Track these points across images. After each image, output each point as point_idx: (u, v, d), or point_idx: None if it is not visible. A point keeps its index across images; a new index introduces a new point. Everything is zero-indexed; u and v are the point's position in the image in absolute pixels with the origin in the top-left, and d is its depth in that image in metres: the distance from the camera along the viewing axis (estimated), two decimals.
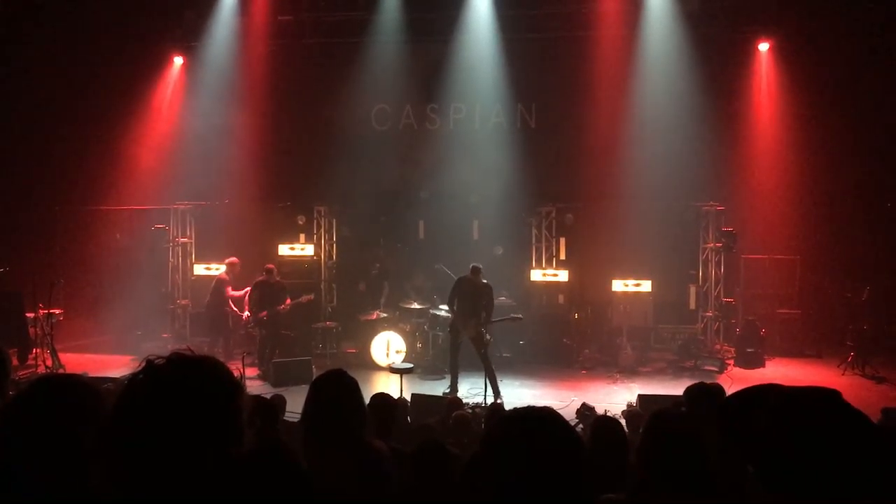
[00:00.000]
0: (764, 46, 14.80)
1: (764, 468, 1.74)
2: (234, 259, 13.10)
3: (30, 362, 12.01)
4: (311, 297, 13.50)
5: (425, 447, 4.02)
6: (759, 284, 14.69)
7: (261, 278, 12.50)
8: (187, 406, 1.55)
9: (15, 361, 12.18)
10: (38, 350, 12.08)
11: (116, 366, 12.33)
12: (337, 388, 3.02)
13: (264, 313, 12.35)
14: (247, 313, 12.57)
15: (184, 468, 1.52)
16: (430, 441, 4.25)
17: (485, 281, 10.90)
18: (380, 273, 14.23)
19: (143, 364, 1.62)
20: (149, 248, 14.58)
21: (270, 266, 12.71)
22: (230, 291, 12.76)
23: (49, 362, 11.87)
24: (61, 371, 11.26)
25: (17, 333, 12.09)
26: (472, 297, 10.82)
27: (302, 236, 14.90)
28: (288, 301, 12.56)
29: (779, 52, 14.66)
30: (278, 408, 7.13)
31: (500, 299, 13.35)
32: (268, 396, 7.25)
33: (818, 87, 13.88)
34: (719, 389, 4.54)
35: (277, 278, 12.66)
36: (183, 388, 1.57)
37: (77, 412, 1.90)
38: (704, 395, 4.36)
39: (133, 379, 1.60)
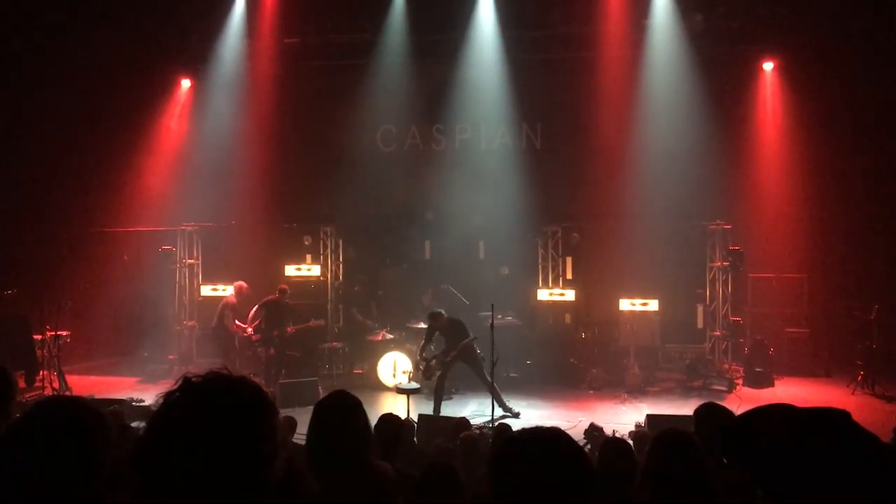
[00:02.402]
0: (768, 65, 14.85)
1: (771, 490, 1.72)
2: (242, 284, 13.08)
3: (37, 384, 12.02)
4: (322, 322, 13.49)
5: (432, 469, 4.00)
6: (767, 303, 14.63)
7: (271, 297, 12.50)
8: (224, 424, 1.53)
9: (22, 384, 12.19)
10: (45, 372, 12.10)
11: (123, 387, 12.34)
12: (340, 410, 3.00)
13: (276, 332, 12.34)
14: (249, 330, 12.54)
15: (218, 488, 1.50)
16: (437, 463, 4.23)
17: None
18: (377, 296, 14.27)
19: (180, 381, 1.60)
20: (156, 269, 14.61)
21: (284, 287, 12.71)
22: (231, 319, 12.73)
23: (56, 384, 11.86)
24: (68, 393, 11.26)
25: (24, 356, 12.12)
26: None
27: (308, 257, 14.94)
28: (290, 328, 12.54)
29: (783, 70, 14.70)
30: (287, 429, 7.13)
31: (507, 319, 13.34)
32: None
33: (823, 106, 13.89)
34: (727, 410, 4.52)
35: (287, 300, 12.66)
36: (220, 406, 1.55)
37: (80, 434, 1.89)
38: (714, 415, 4.34)
39: (169, 395, 1.58)
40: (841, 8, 13.68)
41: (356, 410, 3.02)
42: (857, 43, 13.60)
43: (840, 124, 13.82)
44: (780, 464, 1.69)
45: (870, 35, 13.59)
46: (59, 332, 12.18)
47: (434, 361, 10.88)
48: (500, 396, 10.57)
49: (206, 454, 1.50)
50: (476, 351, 10.90)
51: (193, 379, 1.59)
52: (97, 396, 10.46)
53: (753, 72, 14.91)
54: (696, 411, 4.49)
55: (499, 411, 10.35)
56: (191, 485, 1.49)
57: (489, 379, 10.30)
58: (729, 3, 14.29)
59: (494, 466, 1.75)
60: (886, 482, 1.61)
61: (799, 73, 14.29)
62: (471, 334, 10.85)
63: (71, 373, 12.51)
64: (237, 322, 12.69)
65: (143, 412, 9.16)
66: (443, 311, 11.13)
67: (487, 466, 1.77)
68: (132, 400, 10.11)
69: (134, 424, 6.22)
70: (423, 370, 10.92)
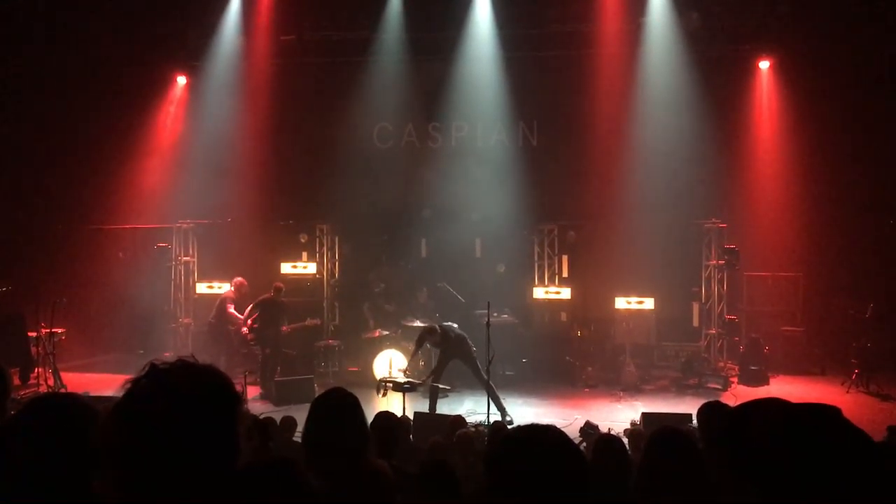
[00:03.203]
0: (764, 64, 14.86)
1: (763, 484, 1.73)
2: (241, 280, 13.09)
3: (32, 382, 11.99)
4: (318, 321, 13.46)
5: (430, 466, 4.00)
6: (762, 301, 14.66)
7: (267, 296, 12.48)
8: (188, 411, 1.54)
9: (17, 381, 12.16)
10: (40, 369, 12.07)
11: (118, 385, 12.27)
12: (338, 407, 3.00)
13: (270, 330, 12.32)
14: (244, 329, 12.50)
15: (183, 473, 1.51)
16: (434, 460, 4.23)
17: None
18: (384, 292, 14.22)
19: (147, 367, 1.61)
20: (151, 266, 14.58)
21: (280, 285, 12.68)
22: (230, 309, 12.74)
23: (51, 381, 11.84)
24: (63, 390, 11.23)
25: (20, 353, 12.09)
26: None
27: (304, 254, 14.92)
28: (285, 327, 12.51)
29: (779, 69, 14.71)
30: (287, 428, 7.15)
31: (503, 317, 13.36)
32: (272, 416, 7.25)
33: (819, 105, 13.89)
34: (729, 408, 4.52)
35: (282, 299, 12.64)
36: (185, 392, 1.56)
37: (74, 431, 1.89)
38: (715, 413, 4.34)
39: (136, 381, 1.59)
40: (837, 7, 13.71)
41: (353, 408, 3.02)
42: (853, 41, 13.61)
43: (835, 122, 13.82)
44: (770, 457, 1.69)
45: (865, 33, 13.61)
46: (54, 330, 12.13)
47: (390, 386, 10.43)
48: (497, 397, 10.55)
49: (169, 440, 1.51)
50: (472, 350, 10.87)
51: (160, 366, 1.60)
52: (92, 393, 10.43)
53: (749, 70, 14.92)
54: (700, 410, 4.50)
55: (494, 408, 10.32)
56: (152, 470, 1.50)
57: (486, 378, 10.31)
58: (725, 1, 14.31)
59: (489, 463, 1.75)
60: (874, 479, 1.62)
61: (795, 72, 14.30)
62: (458, 347, 10.80)
63: (66, 370, 12.47)
64: (234, 312, 12.68)
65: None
66: (437, 327, 10.90)
67: (483, 463, 1.77)
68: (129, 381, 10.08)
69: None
70: (383, 392, 10.40)
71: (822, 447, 1.64)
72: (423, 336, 10.93)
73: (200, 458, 1.53)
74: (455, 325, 12.95)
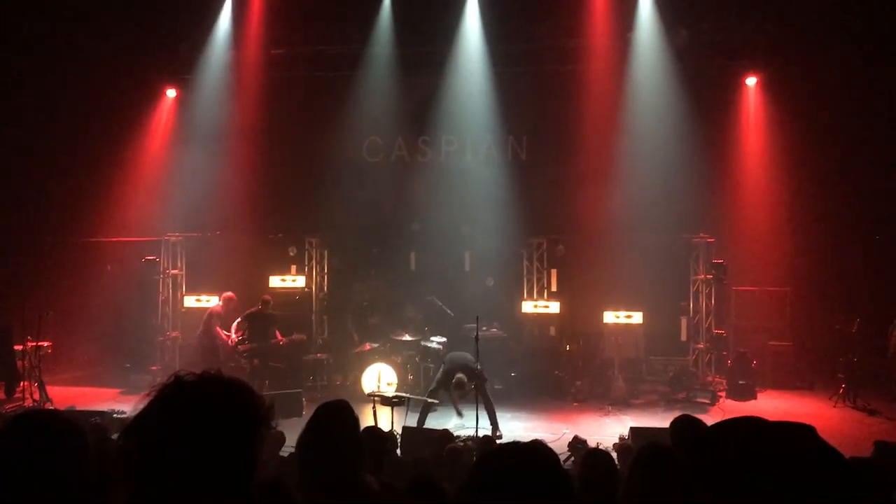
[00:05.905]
0: (751, 81, 14.98)
1: (732, 499, 1.74)
2: (230, 294, 13.06)
3: (17, 395, 11.91)
4: (304, 336, 13.41)
5: (417, 482, 3.99)
6: (750, 316, 14.70)
7: (254, 309, 12.43)
8: (209, 426, 1.53)
9: (2, 395, 12.09)
10: (25, 383, 11.99)
11: (105, 399, 12.24)
12: (336, 421, 3.02)
13: (247, 346, 12.25)
14: (234, 338, 12.43)
15: (195, 489, 1.50)
16: (421, 476, 4.22)
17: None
18: (370, 305, 14.20)
19: (172, 378, 1.59)
20: (139, 279, 14.52)
21: (267, 297, 12.65)
22: (217, 327, 12.68)
23: (37, 395, 11.72)
24: (48, 405, 11.15)
25: (5, 367, 12.01)
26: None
27: (293, 268, 14.90)
28: (279, 336, 12.45)
29: (766, 86, 14.84)
30: (275, 443, 7.10)
31: (492, 330, 13.36)
32: None
33: (806, 121, 14.02)
34: (702, 423, 4.56)
35: (270, 311, 12.58)
36: (208, 407, 1.55)
37: (57, 450, 1.88)
38: (688, 427, 4.36)
39: (161, 391, 1.57)
40: (824, 24, 13.84)
41: (352, 423, 3.05)
42: (840, 59, 13.74)
43: (822, 139, 13.95)
44: (742, 475, 1.71)
45: (852, 51, 13.74)
46: (40, 343, 12.06)
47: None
48: (494, 412, 10.56)
49: (185, 452, 1.50)
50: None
51: (186, 377, 1.59)
52: (78, 408, 10.39)
53: (737, 87, 15.05)
54: (672, 423, 4.53)
55: (483, 424, 10.26)
56: (167, 482, 1.49)
57: (487, 394, 10.33)
58: (713, 18, 14.42)
59: (470, 480, 1.74)
60: (844, 496, 1.63)
61: (782, 89, 14.42)
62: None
63: (52, 384, 12.35)
64: (221, 331, 12.64)
65: (124, 424, 9.09)
66: (464, 378, 10.27)
67: (465, 480, 1.76)
68: (114, 412, 10.03)
69: (115, 437, 6.14)
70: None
71: (793, 465, 1.66)
72: (459, 387, 10.31)
73: (210, 476, 1.51)
74: (444, 339, 12.94)
